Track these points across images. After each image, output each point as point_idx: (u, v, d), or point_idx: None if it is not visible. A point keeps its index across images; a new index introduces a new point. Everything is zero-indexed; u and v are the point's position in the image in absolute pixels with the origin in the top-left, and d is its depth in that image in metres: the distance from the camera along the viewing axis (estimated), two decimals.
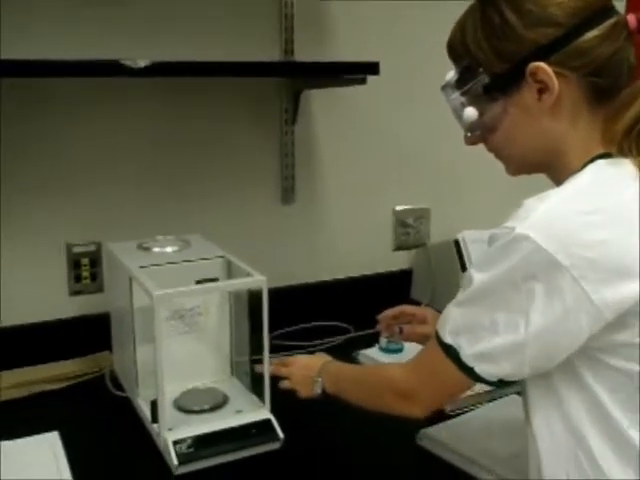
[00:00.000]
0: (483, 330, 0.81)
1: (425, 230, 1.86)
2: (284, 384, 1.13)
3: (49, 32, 1.36)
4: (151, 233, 1.36)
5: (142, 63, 1.18)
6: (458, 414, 1.23)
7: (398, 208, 1.82)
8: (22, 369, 1.38)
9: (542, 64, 0.82)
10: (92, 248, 1.46)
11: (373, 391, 1.01)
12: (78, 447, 1.12)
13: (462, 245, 1.69)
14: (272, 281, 1.64)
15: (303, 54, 1.58)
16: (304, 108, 1.62)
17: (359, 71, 1.41)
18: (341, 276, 1.76)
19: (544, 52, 0.83)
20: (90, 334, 1.42)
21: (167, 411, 1.10)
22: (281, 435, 1.12)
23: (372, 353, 1.46)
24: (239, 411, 1.16)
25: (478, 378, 0.84)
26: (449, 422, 1.19)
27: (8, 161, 1.38)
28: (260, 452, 1.11)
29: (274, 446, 1.12)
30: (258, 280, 1.12)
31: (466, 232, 1.69)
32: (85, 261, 1.48)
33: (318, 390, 1.08)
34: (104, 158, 1.47)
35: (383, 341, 1.44)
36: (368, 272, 1.80)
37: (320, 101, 1.65)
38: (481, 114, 0.89)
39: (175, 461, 1.04)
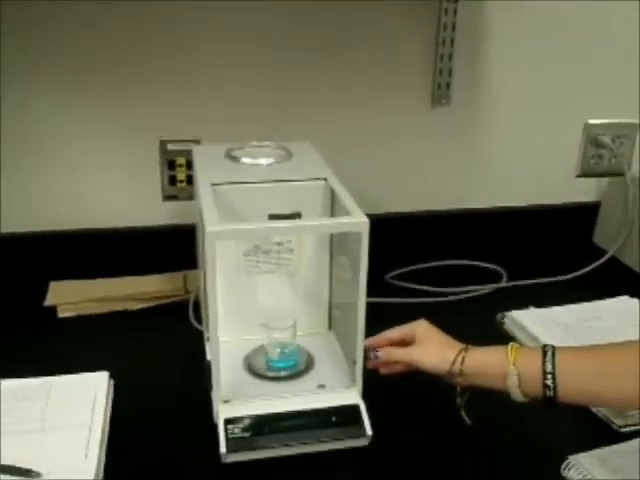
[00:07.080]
0: None
1: (626, 154, 1.40)
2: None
3: None
4: (259, 134, 1.08)
5: None
6: (631, 433, 0.86)
7: (592, 121, 1.37)
8: (105, 280, 1.21)
9: None
10: (190, 147, 1.20)
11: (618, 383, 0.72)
12: (129, 391, 0.93)
13: None
14: (408, 204, 1.34)
15: None
16: None
17: None
18: (500, 204, 1.38)
19: None
20: (182, 247, 1.19)
21: (227, 375, 0.85)
22: (369, 431, 0.83)
23: (525, 319, 1.10)
24: (321, 385, 0.89)
25: None
26: (612, 448, 0.83)
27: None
28: (337, 448, 0.83)
29: (358, 443, 0.84)
30: (356, 223, 0.80)
31: None
32: (181, 161, 1.24)
33: (515, 390, 0.76)
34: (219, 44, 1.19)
35: (275, 351, 0.93)
36: (537, 202, 1.40)
37: None
38: None
39: (224, 448, 0.80)
